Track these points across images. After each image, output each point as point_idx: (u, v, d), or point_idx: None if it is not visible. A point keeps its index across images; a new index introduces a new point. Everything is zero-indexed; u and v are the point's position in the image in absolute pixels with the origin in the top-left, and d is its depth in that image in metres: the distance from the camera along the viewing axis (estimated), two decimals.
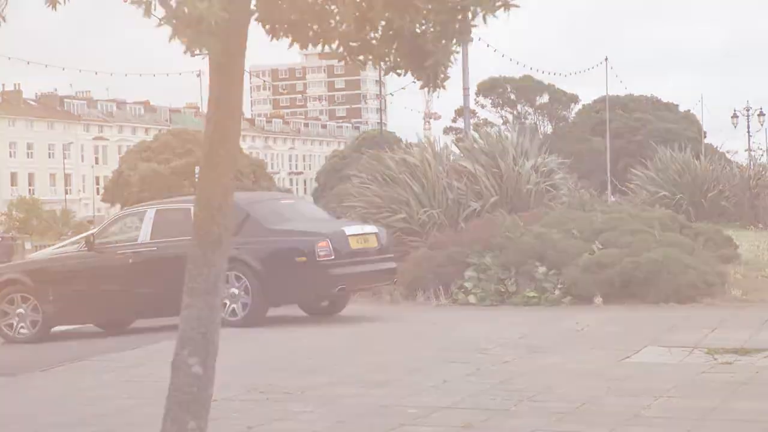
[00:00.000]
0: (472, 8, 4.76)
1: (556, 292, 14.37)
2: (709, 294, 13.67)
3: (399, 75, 5.13)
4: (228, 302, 13.06)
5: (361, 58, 5.01)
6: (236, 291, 13.08)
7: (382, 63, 5.04)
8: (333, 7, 4.84)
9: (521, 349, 10.19)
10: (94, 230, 15.02)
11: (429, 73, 4.98)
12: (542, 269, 14.61)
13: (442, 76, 5.02)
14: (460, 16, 4.80)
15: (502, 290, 14.82)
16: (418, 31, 4.89)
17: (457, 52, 5.03)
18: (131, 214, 14.72)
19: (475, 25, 4.85)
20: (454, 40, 4.90)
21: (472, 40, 4.97)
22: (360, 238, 13.86)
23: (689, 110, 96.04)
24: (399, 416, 7.17)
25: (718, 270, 14.55)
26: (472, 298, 14.77)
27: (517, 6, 4.74)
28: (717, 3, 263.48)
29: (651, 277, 13.80)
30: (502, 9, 4.74)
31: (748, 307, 13.05)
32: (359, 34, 4.92)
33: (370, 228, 14.52)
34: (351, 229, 13.92)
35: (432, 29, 4.86)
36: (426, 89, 5.10)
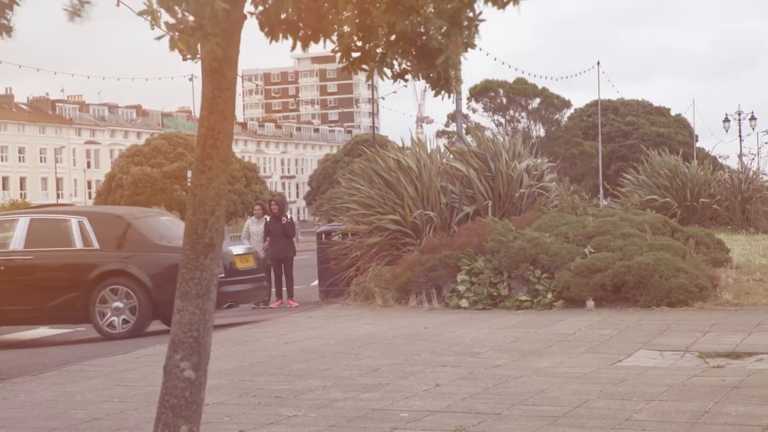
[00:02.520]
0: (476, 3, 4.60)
1: (549, 295, 14.39)
2: (701, 298, 13.70)
3: (406, 81, 5.04)
4: (109, 313, 13.62)
5: (365, 66, 4.93)
6: (120, 305, 13.60)
7: (388, 71, 4.94)
8: (334, 10, 4.77)
9: (513, 353, 10.19)
10: None
11: (441, 75, 4.82)
12: (535, 273, 14.64)
13: (454, 80, 4.86)
14: (468, 11, 4.64)
15: (495, 294, 14.85)
16: (421, 30, 4.75)
17: (466, 51, 4.80)
18: None
19: (483, 20, 4.70)
20: (462, 37, 4.69)
21: (475, 45, 4.75)
22: (243, 257, 14.76)
23: (681, 114, 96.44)
24: (391, 420, 7.16)
25: (710, 274, 14.59)
26: (464, 302, 14.78)
27: None
28: (709, 8, 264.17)
29: (643, 280, 13.83)
30: (511, 3, 4.60)
31: (739, 311, 13.09)
32: (362, 39, 4.82)
33: (250, 248, 15.63)
34: (237, 249, 14.92)
35: (435, 30, 4.71)
36: (423, 92, 4.99)
